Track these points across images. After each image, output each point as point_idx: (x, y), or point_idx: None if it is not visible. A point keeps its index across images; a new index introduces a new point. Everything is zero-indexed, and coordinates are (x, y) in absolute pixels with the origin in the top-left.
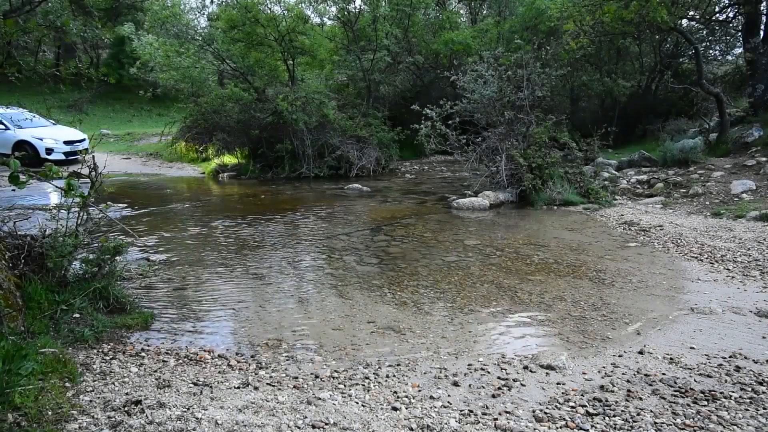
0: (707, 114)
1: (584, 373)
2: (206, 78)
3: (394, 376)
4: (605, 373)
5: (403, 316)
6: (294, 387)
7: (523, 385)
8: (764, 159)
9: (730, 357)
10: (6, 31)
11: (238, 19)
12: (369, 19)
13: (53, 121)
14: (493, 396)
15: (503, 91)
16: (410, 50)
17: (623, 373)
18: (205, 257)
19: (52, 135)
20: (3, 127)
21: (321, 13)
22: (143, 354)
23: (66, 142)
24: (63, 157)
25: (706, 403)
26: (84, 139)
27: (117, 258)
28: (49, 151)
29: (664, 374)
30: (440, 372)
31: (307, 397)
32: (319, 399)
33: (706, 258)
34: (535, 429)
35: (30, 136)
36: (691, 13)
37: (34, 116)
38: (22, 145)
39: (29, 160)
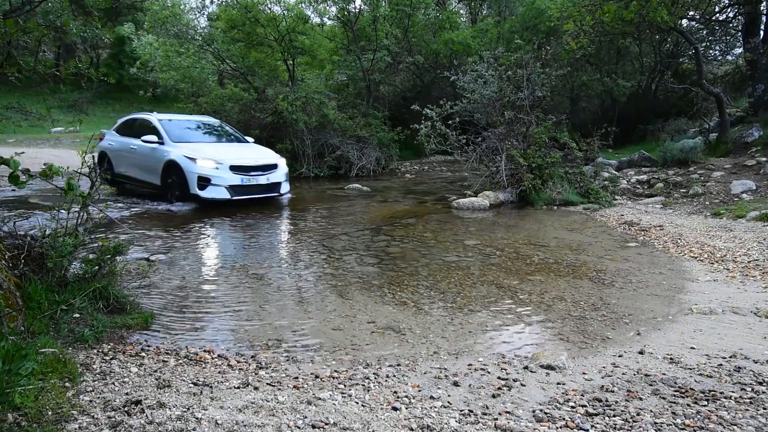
0: (707, 114)
1: (584, 373)
2: (206, 78)
3: (394, 376)
4: (605, 373)
5: (403, 316)
6: (294, 387)
7: (523, 385)
8: (764, 159)
9: (730, 357)
10: (6, 31)
11: (238, 19)
12: (369, 19)
13: (250, 140)
14: (493, 396)
15: (503, 91)
16: (410, 50)
17: (623, 373)
18: (205, 257)
19: (214, 155)
20: (156, 140)
21: (321, 13)
22: (143, 354)
23: (236, 169)
24: (227, 195)
25: (706, 403)
26: (275, 165)
27: (117, 258)
28: (204, 181)
29: (664, 374)
30: (440, 372)
31: (307, 397)
32: (319, 399)
33: (706, 258)
34: (535, 429)
35: (180, 155)
36: (691, 13)
37: (224, 127)
38: (171, 166)
39: (177, 192)
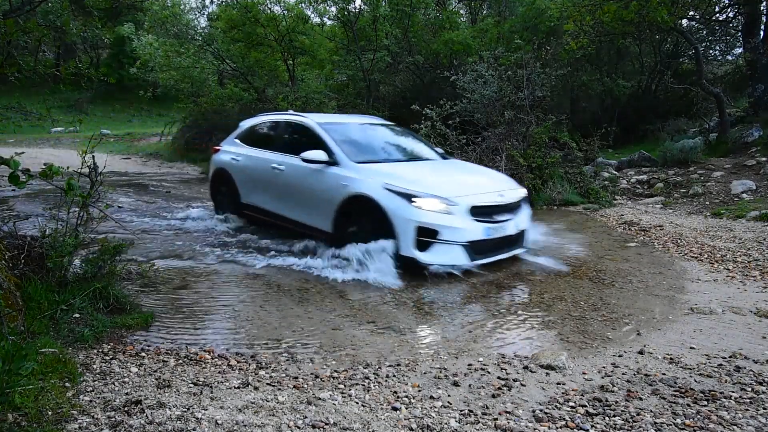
0: (707, 114)
1: (584, 373)
2: (206, 78)
3: (394, 376)
4: (605, 373)
5: (403, 316)
6: (294, 387)
7: (523, 385)
8: (764, 159)
9: (730, 357)
10: (6, 31)
11: (238, 19)
12: (369, 19)
13: (439, 151)
14: (493, 396)
15: (503, 91)
16: (410, 50)
17: (623, 373)
18: (206, 257)
19: (440, 187)
20: (325, 158)
21: (321, 13)
22: (143, 354)
23: (478, 211)
24: (464, 259)
25: (706, 403)
26: (520, 202)
27: (117, 258)
28: (427, 235)
29: (664, 374)
30: (440, 372)
31: (307, 397)
32: (319, 399)
33: (706, 258)
34: (535, 429)
35: (378, 187)
36: (691, 13)
37: (409, 136)
38: (359, 204)
39: (368, 248)
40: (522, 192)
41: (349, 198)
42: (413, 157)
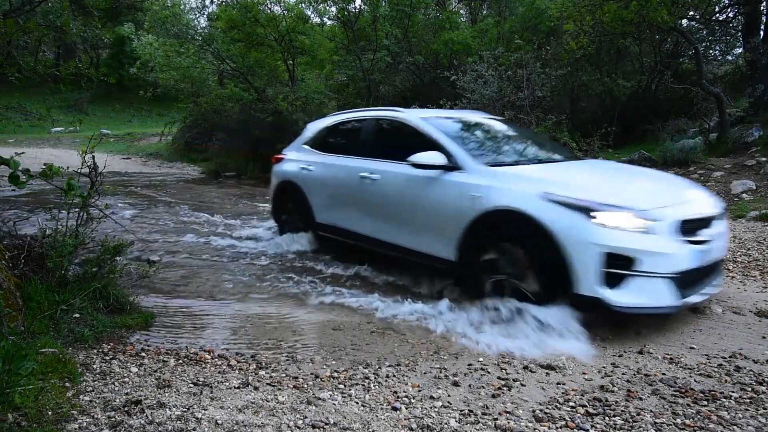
0: (707, 114)
1: (584, 373)
2: (206, 78)
3: (394, 376)
4: (605, 373)
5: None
6: (294, 387)
7: (523, 385)
8: (764, 159)
9: (730, 357)
10: (6, 31)
11: (238, 19)
12: (369, 19)
13: (568, 150)
14: (493, 396)
15: (503, 91)
16: (410, 50)
17: (623, 373)
18: (206, 257)
19: (626, 196)
20: (444, 160)
21: (321, 13)
22: (143, 354)
23: (689, 228)
24: (671, 298)
25: (706, 403)
26: (714, 214)
27: (117, 258)
28: (619, 265)
29: (664, 374)
30: (440, 372)
31: (307, 397)
32: (319, 399)
33: None
34: (535, 429)
35: (535, 197)
36: (691, 13)
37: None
38: (501, 222)
39: (536, 286)
40: (718, 201)
41: (485, 214)
42: (550, 158)
